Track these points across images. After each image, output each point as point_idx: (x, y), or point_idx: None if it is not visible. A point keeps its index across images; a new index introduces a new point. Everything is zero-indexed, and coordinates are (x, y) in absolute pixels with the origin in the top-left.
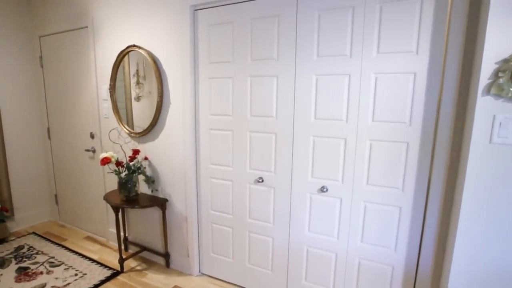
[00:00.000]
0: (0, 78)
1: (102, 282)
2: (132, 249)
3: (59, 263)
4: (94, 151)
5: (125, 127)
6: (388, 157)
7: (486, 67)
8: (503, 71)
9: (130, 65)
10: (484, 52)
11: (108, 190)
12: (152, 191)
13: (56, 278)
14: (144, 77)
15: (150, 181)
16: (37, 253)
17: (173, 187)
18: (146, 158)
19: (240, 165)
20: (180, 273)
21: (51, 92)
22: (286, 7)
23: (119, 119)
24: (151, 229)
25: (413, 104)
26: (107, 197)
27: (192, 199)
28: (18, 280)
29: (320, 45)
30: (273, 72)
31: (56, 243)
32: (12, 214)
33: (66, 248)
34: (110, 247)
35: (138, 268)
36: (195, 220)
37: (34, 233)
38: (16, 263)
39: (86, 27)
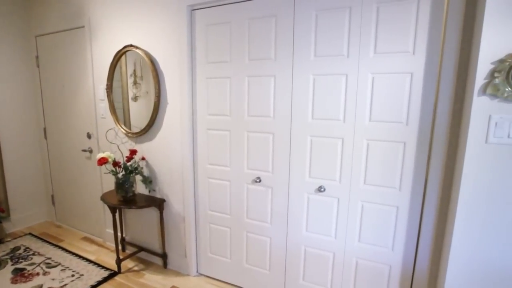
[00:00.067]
0: None
1: (99, 283)
2: (129, 250)
3: (55, 264)
4: (91, 151)
5: (122, 127)
6: (385, 157)
7: (482, 67)
8: (499, 71)
9: (127, 65)
10: (480, 52)
11: (105, 190)
12: (149, 191)
13: (53, 279)
14: (141, 77)
15: (147, 181)
16: (33, 254)
17: (171, 187)
18: (143, 158)
19: (238, 165)
20: (178, 273)
21: (48, 92)
22: (283, 7)
23: (116, 119)
24: (149, 230)
25: (410, 104)
26: (104, 198)
27: (190, 199)
28: (14, 281)
29: (317, 45)
30: (270, 72)
31: (52, 244)
32: (8, 215)
33: (63, 249)
34: (107, 248)
35: (136, 268)
36: (193, 220)
37: (30, 234)
38: (12, 264)
39: (83, 26)
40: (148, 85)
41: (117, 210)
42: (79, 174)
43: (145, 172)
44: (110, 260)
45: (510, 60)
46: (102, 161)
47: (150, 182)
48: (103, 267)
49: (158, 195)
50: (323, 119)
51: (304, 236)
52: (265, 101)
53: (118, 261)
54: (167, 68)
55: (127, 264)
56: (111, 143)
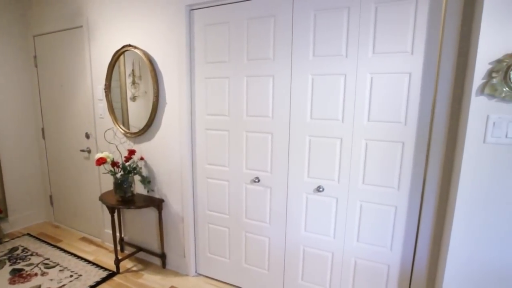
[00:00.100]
0: None
1: (98, 283)
2: (128, 250)
3: (54, 264)
4: (89, 152)
5: (120, 127)
6: (384, 156)
7: (480, 67)
8: (497, 71)
9: (126, 65)
10: (478, 53)
11: (104, 190)
12: (148, 191)
13: (51, 280)
14: (140, 77)
15: (146, 181)
16: (31, 255)
17: (169, 187)
18: (142, 158)
19: (237, 165)
20: (177, 273)
21: (46, 92)
22: (282, 7)
23: (115, 119)
24: (147, 230)
25: (408, 104)
26: (102, 198)
27: (189, 199)
28: (12, 282)
29: (316, 45)
30: (269, 72)
31: (51, 244)
32: (6, 216)
33: (61, 249)
34: (105, 248)
35: (134, 269)
36: (192, 220)
37: (28, 234)
38: (10, 265)
39: (81, 26)
40: (146, 85)
41: (116, 210)
42: (77, 174)
43: (144, 172)
44: (108, 261)
45: (507, 60)
46: (101, 161)
47: (149, 182)
48: (101, 267)
49: (156, 195)
50: (321, 119)
51: (302, 236)
52: (264, 101)
53: (117, 261)
54: (166, 68)
55: (126, 264)
56: (109, 143)
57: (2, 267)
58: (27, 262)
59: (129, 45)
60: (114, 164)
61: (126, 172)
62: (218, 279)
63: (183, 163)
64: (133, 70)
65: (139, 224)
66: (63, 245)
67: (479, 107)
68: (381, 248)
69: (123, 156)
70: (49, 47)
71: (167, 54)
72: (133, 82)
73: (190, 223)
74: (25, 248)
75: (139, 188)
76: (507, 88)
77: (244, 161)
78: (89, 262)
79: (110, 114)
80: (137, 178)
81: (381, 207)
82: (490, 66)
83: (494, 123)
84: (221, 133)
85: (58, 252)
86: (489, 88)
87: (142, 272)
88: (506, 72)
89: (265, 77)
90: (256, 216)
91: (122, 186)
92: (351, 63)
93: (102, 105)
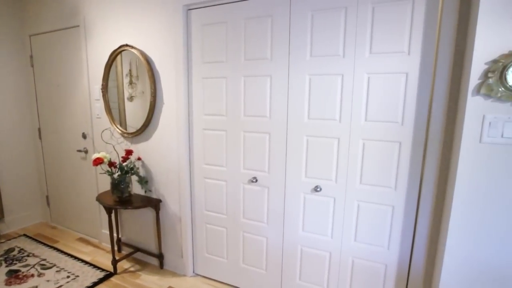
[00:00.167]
0: None
1: (95, 284)
2: (125, 250)
3: (50, 265)
4: (86, 152)
5: (117, 127)
6: (381, 156)
7: (476, 68)
8: (493, 72)
9: (123, 65)
10: (474, 53)
11: (101, 191)
12: (145, 191)
13: (48, 281)
14: (137, 77)
15: (143, 181)
16: (28, 256)
17: (167, 188)
18: (139, 159)
19: (234, 165)
20: (174, 274)
21: (42, 91)
22: (279, 7)
23: (112, 119)
24: (145, 230)
25: (405, 104)
26: (99, 198)
27: (186, 199)
28: (8, 283)
29: (313, 45)
30: (266, 72)
31: (47, 245)
32: (2, 216)
33: (58, 250)
34: (103, 249)
35: (132, 269)
36: (189, 221)
37: (25, 235)
38: (6, 266)
39: (78, 26)
40: (144, 85)
41: (113, 211)
42: (74, 174)
43: (141, 172)
44: (106, 261)
45: (503, 61)
46: (98, 162)
47: (146, 182)
48: (98, 268)
49: (154, 196)
50: (319, 119)
51: (300, 236)
52: (261, 101)
53: (114, 262)
54: (163, 68)
55: (123, 265)
56: (106, 143)
57: None
58: (24, 263)
59: (126, 45)
60: (111, 164)
61: (123, 172)
62: (216, 279)
63: (181, 163)
64: (130, 70)
65: (137, 225)
66: (60, 246)
67: (475, 107)
68: (378, 247)
69: (120, 156)
70: (46, 47)
71: (164, 54)
72: (130, 82)
73: (187, 223)
74: (22, 249)
75: (136, 188)
76: (502, 88)
77: (241, 161)
78: (86, 262)
79: (107, 114)
80: (134, 178)
81: (379, 207)
82: (486, 66)
83: (490, 123)
84: (218, 133)
85: (54, 253)
86: (485, 88)
87: (140, 273)
88: (502, 72)
89: (262, 77)
90: (253, 216)
91: (119, 186)
92: (348, 63)
93: (99, 105)
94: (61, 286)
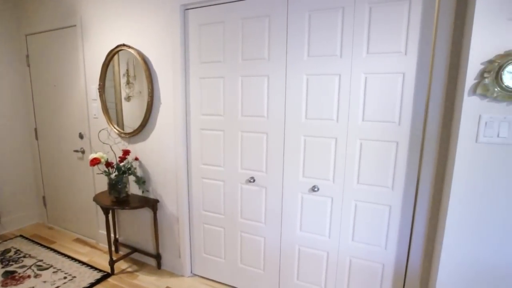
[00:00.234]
0: None
1: (92, 284)
2: (122, 251)
3: (47, 266)
4: (83, 152)
5: (115, 127)
6: (378, 156)
7: (472, 68)
8: (488, 72)
9: (120, 65)
10: (470, 53)
11: (98, 191)
12: (143, 192)
13: (44, 282)
14: (134, 77)
15: (140, 181)
16: (24, 257)
17: (164, 188)
18: (136, 159)
19: (232, 165)
20: (172, 274)
21: (39, 91)
22: (276, 7)
23: (109, 119)
24: (142, 230)
25: (402, 104)
26: (97, 199)
27: (184, 199)
28: (4, 284)
29: (310, 45)
30: (264, 72)
31: (44, 246)
32: None
33: (55, 250)
34: (100, 249)
35: (129, 270)
36: (187, 221)
37: (21, 236)
38: (2, 267)
39: (75, 25)
40: (141, 85)
41: (110, 211)
42: (71, 175)
43: (139, 172)
44: (103, 262)
45: (499, 61)
46: (95, 162)
47: (144, 182)
48: (96, 268)
49: (151, 196)
50: (316, 119)
51: (298, 235)
52: (259, 101)
53: (111, 263)
54: (160, 68)
55: (121, 265)
56: (103, 143)
57: None
58: (20, 264)
59: (123, 45)
60: (108, 164)
61: (121, 172)
62: (214, 279)
63: (178, 163)
64: (127, 70)
65: (134, 225)
66: (56, 247)
67: (471, 107)
68: (375, 247)
69: (117, 156)
70: (42, 46)
71: (161, 54)
72: (128, 82)
73: (185, 223)
74: (18, 250)
75: (133, 188)
76: (498, 88)
77: (239, 161)
78: (83, 263)
79: (104, 114)
80: (131, 178)
81: (376, 207)
82: (482, 67)
83: (486, 123)
84: (216, 133)
85: (51, 253)
86: (481, 88)
87: (137, 273)
88: (498, 73)
89: (260, 77)
90: (251, 216)
91: (116, 186)
92: (345, 63)
93: (96, 105)
94: (58, 287)
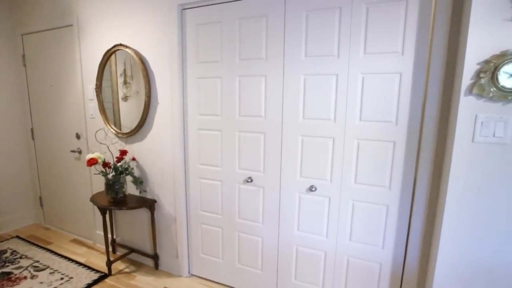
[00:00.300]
0: None
1: (89, 285)
2: (120, 251)
3: (44, 267)
4: (80, 152)
5: (112, 128)
6: (375, 156)
7: (469, 68)
8: (484, 72)
9: (117, 65)
10: (467, 53)
11: (95, 191)
12: (140, 192)
13: (41, 283)
14: (132, 77)
15: (138, 182)
16: (20, 257)
17: (162, 188)
18: (134, 159)
19: (229, 165)
20: (170, 274)
21: (35, 91)
22: (274, 7)
23: (106, 119)
24: (140, 231)
25: (399, 104)
26: (94, 199)
27: (181, 199)
28: (0, 286)
29: (308, 45)
30: (261, 72)
31: (40, 247)
32: None
33: (52, 251)
34: (97, 250)
35: (127, 270)
36: (184, 221)
37: (17, 237)
38: None
39: (71, 25)
40: (138, 84)
41: (107, 212)
42: (68, 175)
43: (136, 172)
44: (100, 262)
45: (494, 61)
46: (92, 162)
47: (141, 182)
48: (93, 269)
49: (149, 196)
50: (314, 119)
51: (295, 235)
52: (256, 101)
53: (109, 263)
54: (158, 68)
55: (118, 266)
56: (100, 143)
57: None
58: (16, 265)
59: (121, 45)
60: (105, 164)
61: (118, 172)
62: (212, 279)
63: (176, 164)
64: (124, 70)
65: (131, 225)
66: (53, 247)
67: (467, 107)
68: (373, 246)
69: (114, 156)
70: (38, 46)
71: (159, 54)
72: (125, 82)
73: (183, 224)
74: (14, 251)
75: (131, 188)
76: (494, 88)
77: (236, 161)
78: (80, 264)
79: (101, 114)
80: (129, 178)
81: (373, 206)
82: (478, 67)
83: (482, 123)
84: (213, 133)
85: (48, 254)
86: (477, 88)
87: (135, 274)
88: (493, 73)
89: (257, 77)
90: (249, 216)
91: (113, 187)
92: (342, 63)
93: (93, 105)
94: None
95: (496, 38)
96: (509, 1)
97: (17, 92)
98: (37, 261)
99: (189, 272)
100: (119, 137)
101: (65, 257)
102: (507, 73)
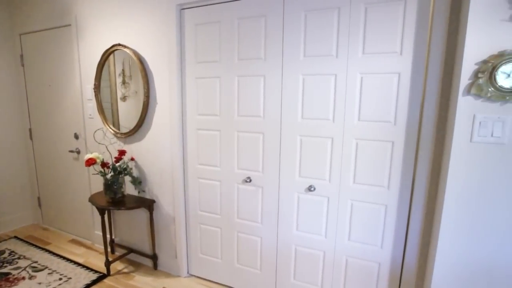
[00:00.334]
0: None
1: (88, 286)
2: (118, 252)
3: (42, 267)
4: (78, 152)
5: (110, 128)
6: (374, 156)
7: (467, 68)
8: (482, 72)
9: (116, 65)
10: (465, 53)
11: (94, 191)
12: (139, 192)
13: (39, 283)
14: (130, 77)
15: (136, 182)
16: (19, 258)
17: (161, 188)
18: (132, 159)
19: (228, 165)
20: (168, 274)
21: (33, 91)
22: (273, 7)
23: (104, 119)
24: (138, 231)
25: (397, 103)
26: (92, 199)
27: (180, 199)
28: None
29: (306, 45)
30: (260, 72)
31: (39, 247)
32: None
33: (50, 252)
34: (96, 250)
35: (125, 270)
36: (183, 221)
37: (15, 237)
38: None
39: (69, 25)
40: (137, 84)
41: (106, 212)
42: (66, 175)
43: (135, 172)
44: (99, 263)
45: (492, 61)
46: (90, 162)
47: (140, 183)
48: (91, 269)
49: (147, 196)
50: (312, 119)
51: (294, 235)
52: (255, 101)
53: (107, 263)
54: (156, 68)
55: (117, 266)
56: (99, 143)
57: None
58: (14, 266)
59: (119, 44)
60: (104, 165)
61: (116, 173)
62: (211, 279)
63: (174, 164)
64: (123, 70)
65: (130, 225)
66: (51, 248)
67: (466, 107)
68: (371, 246)
69: (113, 156)
70: (37, 46)
71: (157, 54)
72: (123, 82)
73: (181, 224)
74: (12, 252)
75: (129, 189)
76: (492, 88)
77: (235, 161)
78: (78, 264)
79: (99, 114)
80: (127, 179)
81: (372, 206)
82: (476, 67)
83: (480, 123)
84: (212, 133)
85: (46, 255)
86: (475, 88)
87: (133, 274)
88: (491, 73)
89: (256, 77)
90: (248, 216)
91: (112, 187)
92: (341, 63)
93: (92, 105)
94: None
95: (494, 38)
96: (506, 1)
97: (15, 92)
98: (36, 262)
99: (188, 272)
100: (117, 137)
101: (64, 258)
102: (505, 73)
